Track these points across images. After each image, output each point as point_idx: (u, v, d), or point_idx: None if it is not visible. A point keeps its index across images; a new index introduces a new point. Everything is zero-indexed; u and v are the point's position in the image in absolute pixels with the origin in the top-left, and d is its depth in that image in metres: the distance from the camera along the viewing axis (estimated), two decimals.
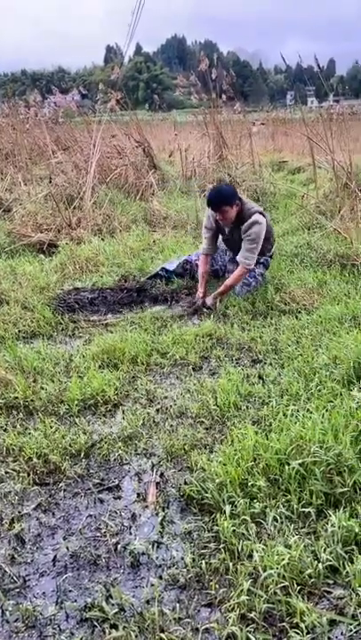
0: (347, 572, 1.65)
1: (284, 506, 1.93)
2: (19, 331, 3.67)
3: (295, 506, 1.91)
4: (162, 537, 1.91)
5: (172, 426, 2.56)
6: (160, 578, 1.74)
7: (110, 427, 2.60)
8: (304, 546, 1.74)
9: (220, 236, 4.37)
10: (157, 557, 1.82)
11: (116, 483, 2.21)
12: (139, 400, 2.81)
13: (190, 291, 4.38)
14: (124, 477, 2.25)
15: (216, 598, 1.64)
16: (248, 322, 3.69)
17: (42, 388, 2.88)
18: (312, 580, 1.64)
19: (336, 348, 3.03)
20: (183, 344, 3.34)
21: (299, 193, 7.41)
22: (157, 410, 2.71)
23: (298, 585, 1.63)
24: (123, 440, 2.46)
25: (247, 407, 2.65)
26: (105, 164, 7.94)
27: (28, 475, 2.25)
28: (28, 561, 1.85)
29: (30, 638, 1.57)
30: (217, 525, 1.87)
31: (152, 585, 1.70)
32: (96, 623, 1.58)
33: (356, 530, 1.76)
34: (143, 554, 1.83)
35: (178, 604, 1.63)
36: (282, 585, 1.61)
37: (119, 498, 2.13)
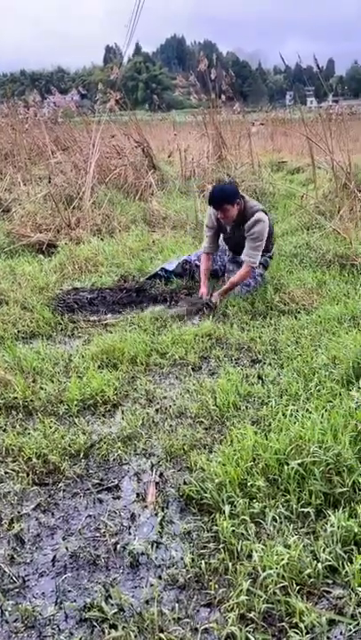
0: (346, 572, 1.65)
1: (283, 506, 1.93)
2: (18, 331, 3.67)
3: (294, 506, 1.92)
4: (161, 537, 1.91)
5: (171, 426, 2.56)
6: (159, 578, 1.74)
7: (109, 427, 2.60)
8: (303, 546, 1.74)
9: (222, 235, 4.37)
10: (157, 557, 1.82)
11: (116, 483, 2.21)
12: (138, 400, 2.81)
13: (190, 291, 4.38)
14: (123, 477, 2.25)
15: (215, 598, 1.64)
16: (247, 322, 3.69)
17: (41, 389, 2.88)
18: (311, 580, 1.65)
19: (335, 348, 3.03)
20: (182, 344, 3.34)
21: (298, 193, 7.42)
22: (157, 410, 2.71)
23: (297, 585, 1.63)
24: (122, 440, 2.46)
25: (246, 407, 2.65)
26: (104, 164, 7.94)
27: (28, 475, 2.24)
28: (28, 561, 1.85)
29: (30, 638, 1.57)
30: (216, 525, 1.87)
31: (151, 585, 1.70)
32: (95, 623, 1.58)
33: (356, 530, 1.76)
34: (142, 554, 1.83)
35: (177, 604, 1.63)
36: (281, 585, 1.61)
37: (118, 498, 2.13)
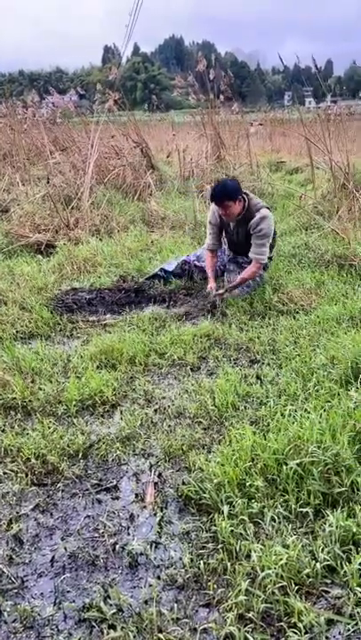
0: (344, 572, 1.65)
1: (281, 506, 1.93)
2: (17, 331, 3.67)
3: (293, 506, 1.92)
4: (160, 537, 1.91)
5: (170, 426, 2.56)
6: (158, 578, 1.74)
7: (108, 427, 2.60)
8: (302, 546, 1.74)
9: (223, 234, 4.35)
10: (155, 558, 1.82)
11: (115, 483, 2.21)
12: (137, 400, 2.81)
13: (188, 291, 4.38)
14: (122, 478, 2.25)
15: (214, 598, 1.64)
16: (246, 322, 3.70)
17: (40, 389, 2.88)
18: (310, 580, 1.65)
19: (334, 348, 3.04)
20: (181, 344, 3.34)
21: (297, 193, 7.42)
22: (155, 410, 2.71)
23: (296, 585, 1.63)
24: (121, 440, 2.46)
25: (245, 407, 2.65)
26: (103, 165, 7.94)
27: (26, 475, 2.24)
28: (26, 561, 1.85)
29: (28, 639, 1.57)
30: (215, 525, 1.88)
31: (150, 585, 1.70)
32: (94, 623, 1.59)
33: (354, 529, 1.76)
34: (141, 554, 1.84)
35: (176, 605, 1.63)
36: (280, 585, 1.61)
37: (117, 498, 2.14)
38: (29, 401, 2.79)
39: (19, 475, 2.25)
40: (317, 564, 1.67)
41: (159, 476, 2.23)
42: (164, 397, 2.83)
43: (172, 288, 4.45)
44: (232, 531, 1.83)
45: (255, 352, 3.25)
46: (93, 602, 1.65)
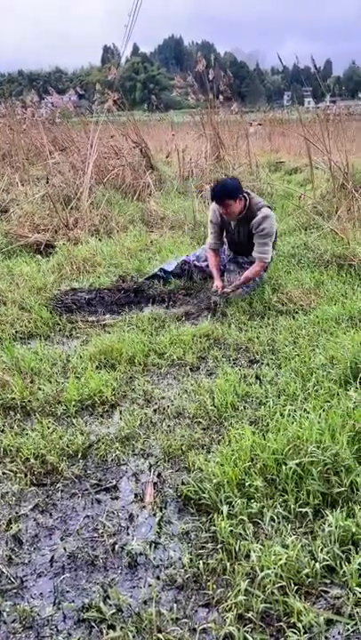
0: (344, 572, 1.65)
1: (281, 506, 1.93)
2: (16, 331, 3.66)
3: (292, 506, 1.92)
4: (159, 537, 1.91)
5: (169, 426, 2.56)
6: (157, 578, 1.74)
7: (108, 427, 2.60)
8: (301, 546, 1.74)
9: (224, 233, 4.34)
10: (155, 558, 1.82)
11: (114, 483, 2.21)
12: (136, 400, 2.81)
13: (188, 291, 4.38)
14: (121, 478, 2.25)
15: (213, 598, 1.64)
16: (245, 322, 3.70)
17: (39, 389, 2.88)
18: (309, 580, 1.65)
19: (333, 348, 3.04)
20: (181, 344, 3.34)
21: (296, 193, 7.42)
22: (155, 410, 2.71)
23: (295, 585, 1.63)
24: (120, 440, 2.46)
25: (244, 407, 2.65)
26: (102, 165, 7.94)
27: (26, 475, 2.24)
28: (26, 562, 1.85)
29: (28, 639, 1.57)
30: (214, 525, 1.88)
31: (150, 585, 1.70)
32: (93, 624, 1.59)
33: (353, 530, 1.76)
34: (141, 554, 1.84)
35: (175, 605, 1.63)
36: (279, 585, 1.61)
37: (117, 498, 2.13)
38: (29, 401, 2.79)
39: (18, 475, 2.25)
40: (317, 564, 1.67)
41: (158, 476, 2.23)
42: (163, 397, 2.83)
43: (172, 288, 4.45)
44: (231, 531, 1.83)
45: (254, 352, 3.25)
46: (93, 602, 1.65)
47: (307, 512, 1.89)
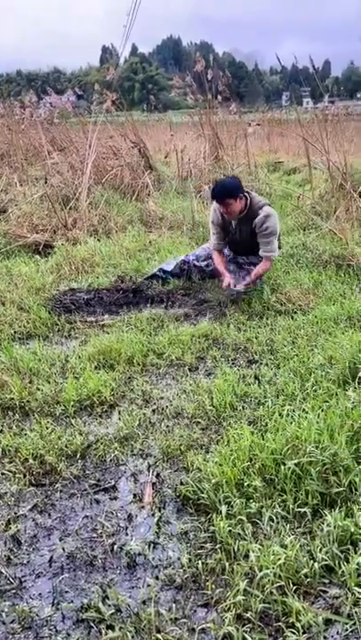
0: (342, 572, 1.65)
1: (280, 506, 1.93)
2: (14, 332, 3.66)
3: (291, 506, 1.92)
4: (158, 537, 1.91)
5: (168, 426, 2.56)
6: (156, 578, 1.74)
7: (106, 427, 2.60)
8: (300, 545, 1.74)
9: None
10: (154, 558, 1.82)
11: (113, 483, 2.21)
12: (135, 401, 2.81)
13: (186, 291, 4.38)
14: (120, 478, 2.25)
15: (212, 598, 1.64)
16: (244, 322, 3.70)
17: (38, 389, 2.88)
18: (308, 580, 1.65)
19: (332, 348, 3.04)
20: (179, 344, 3.34)
21: (294, 194, 7.43)
22: (153, 410, 2.71)
23: (294, 585, 1.63)
24: (119, 441, 2.46)
25: (243, 407, 2.65)
26: (101, 165, 7.94)
27: (24, 476, 2.24)
28: (25, 562, 1.85)
29: (27, 639, 1.57)
30: (213, 526, 1.88)
31: (148, 585, 1.70)
32: (92, 624, 1.58)
33: (352, 529, 1.76)
34: (139, 554, 1.84)
35: (174, 605, 1.63)
36: (278, 585, 1.62)
37: (115, 498, 2.13)
38: (27, 401, 2.78)
39: (17, 475, 2.25)
40: (315, 564, 1.67)
41: (157, 476, 2.23)
42: (162, 397, 2.83)
43: (171, 288, 4.45)
44: (230, 531, 1.83)
45: (253, 352, 3.25)
46: (92, 602, 1.65)
47: (305, 512, 1.89)
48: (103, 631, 1.55)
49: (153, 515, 2.02)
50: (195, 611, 1.62)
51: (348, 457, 2.04)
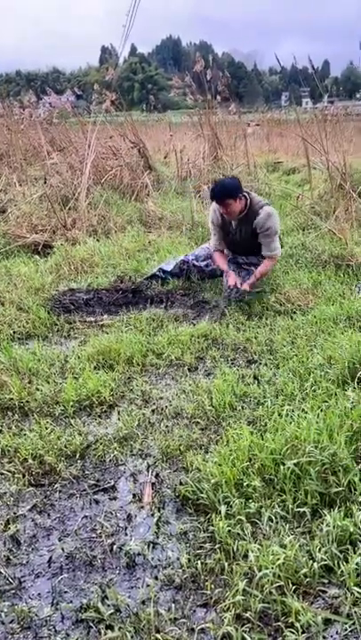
0: (342, 572, 1.66)
1: (279, 506, 1.93)
2: (14, 332, 3.66)
3: (290, 506, 1.92)
4: (157, 537, 1.91)
5: (167, 426, 2.56)
6: (156, 578, 1.74)
7: (106, 428, 2.60)
8: (299, 545, 1.74)
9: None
10: (153, 558, 1.82)
11: (112, 484, 2.21)
12: (134, 401, 2.81)
13: (186, 292, 4.38)
14: (119, 478, 2.25)
15: (212, 598, 1.64)
16: (243, 322, 3.70)
17: (37, 390, 2.88)
18: (307, 580, 1.65)
19: (331, 348, 3.04)
20: (179, 345, 3.34)
21: (294, 194, 7.43)
22: (153, 410, 2.71)
23: (293, 584, 1.63)
24: (118, 441, 2.46)
25: (242, 407, 2.66)
26: (100, 165, 7.93)
27: (24, 476, 2.24)
28: (24, 562, 1.85)
29: (26, 639, 1.57)
30: (212, 526, 1.88)
31: (148, 585, 1.70)
32: (92, 624, 1.58)
33: (351, 529, 1.76)
34: (139, 554, 1.84)
35: (173, 605, 1.63)
36: (277, 584, 1.62)
37: (115, 499, 2.13)
38: (27, 401, 2.78)
39: (16, 475, 2.25)
40: (315, 564, 1.67)
41: (157, 476, 2.23)
42: (161, 398, 2.83)
43: (170, 288, 4.45)
44: (229, 531, 1.83)
45: (253, 352, 3.25)
46: (91, 602, 1.65)
47: (305, 512, 1.89)
48: (102, 631, 1.55)
49: (152, 515, 2.02)
50: (194, 611, 1.62)
51: (348, 457, 2.04)
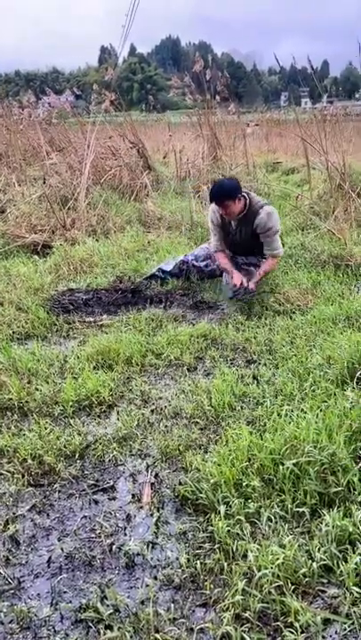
0: (341, 572, 1.66)
1: (278, 506, 1.93)
2: (13, 332, 3.66)
3: (289, 506, 1.92)
4: (157, 537, 1.91)
5: (166, 426, 2.56)
6: (155, 578, 1.74)
7: (105, 428, 2.60)
8: (298, 545, 1.75)
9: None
10: (152, 558, 1.82)
11: (111, 484, 2.21)
12: (133, 401, 2.81)
13: (185, 292, 4.38)
14: (118, 478, 2.25)
15: (211, 598, 1.64)
16: (243, 322, 3.70)
17: (36, 390, 2.88)
18: (306, 580, 1.65)
19: (330, 348, 3.04)
20: (178, 345, 3.34)
21: (293, 194, 7.43)
22: (152, 410, 2.71)
23: (292, 584, 1.64)
24: (117, 441, 2.46)
25: (242, 407, 2.66)
26: (99, 165, 7.93)
27: (23, 476, 2.24)
28: (23, 562, 1.85)
29: (25, 639, 1.57)
30: (212, 526, 1.88)
31: (147, 585, 1.70)
32: (91, 624, 1.58)
33: (350, 529, 1.77)
34: (138, 554, 1.84)
35: (173, 605, 1.63)
36: (276, 584, 1.62)
37: (114, 499, 2.13)
38: (26, 402, 2.78)
39: (15, 475, 2.25)
40: (314, 564, 1.68)
41: (156, 476, 2.23)
42: (160, 398, 2.83)
43: (169, 288, 4.45)
44: (229, 531, 1.83)
45: (252, 352, 3.25)
46: (90, 602, 1.65)
47: (304, 512, 1.89)
48: (102, 631, 1.55)
49: (151, 515, 2.02)
50: (193, 610, 1.62)
51: (347, 457, 2.05)
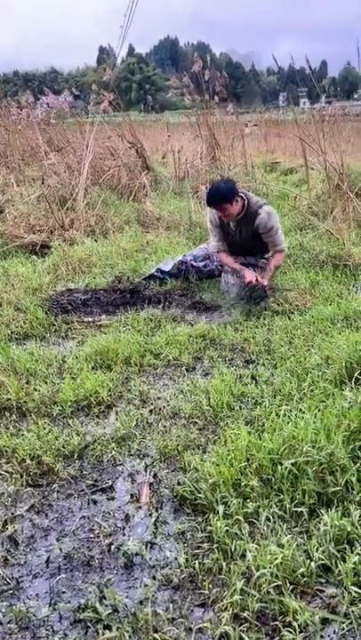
0: (339, 571, 1.66)
1: (276, 505, 1.94)
2: (11, 332, 3.66)
3: (288, 505, 1.92)
4: (155, 537, 1.91)
5: (165, 426, 2.56)
6: (153, 578, 1.74)
7: (104, 428, 2.60)
8: (297, 545, 1.75)
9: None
10: (151, 558, 1.82)
11: (110, 484, 2.21)
12: (132, 401, 2.81)
13: (183, 292, 4.38)
14: (117, 478, 2.25)
15: (209, 598, 1.65)
16: (241, 322, 3.70)
17: (35, 390, 2.88)
18: (305, 579, 1.65)
19: (328, 348, 3.05)
20: (176, 345, 3.35)
21: (291, 194, 7.44)
22: (151, 411, 2.71)
23: (291, 584, 1.64)
24: (116, 441, 2.46)
25: (240, 407, 2.66)
26: (98, 166, 7.93)
27: (21, 476, 2.24)
28: (22, 562, 1.85)
29: (24, 639, 1.57)
30: (210, 525, 1.88)
31: (145, 585, 1.70)
32: (90, 624, 1.58)
33: (349, 529, 1.77)
34: (137, 554, 1.84)
35: (171, 605, 1.63)
36: (275, 584, 1.62)
37: (112, 499, 2.13)
38: (24, 402, 2.78)
39: (14, 476, 2.25)
40: (312, 564, 1.68)
41: (154, 476, 2.23)
42: (159, 398, 2.83)
43: (168, 288, 4.45)
44: (227, 530, 1.83)
45: (250, 352, 3.26)
46: (89, 602, 1.65)
47: (302, 511, 1.90)
48: (100, 631, 1.55)
49: (150, 515, 2.02)
50: (192, 610, 1.62)
51: (345, 456, 2.05)
